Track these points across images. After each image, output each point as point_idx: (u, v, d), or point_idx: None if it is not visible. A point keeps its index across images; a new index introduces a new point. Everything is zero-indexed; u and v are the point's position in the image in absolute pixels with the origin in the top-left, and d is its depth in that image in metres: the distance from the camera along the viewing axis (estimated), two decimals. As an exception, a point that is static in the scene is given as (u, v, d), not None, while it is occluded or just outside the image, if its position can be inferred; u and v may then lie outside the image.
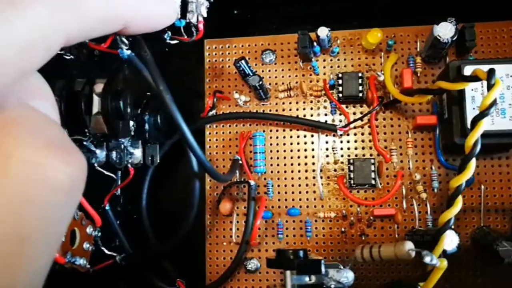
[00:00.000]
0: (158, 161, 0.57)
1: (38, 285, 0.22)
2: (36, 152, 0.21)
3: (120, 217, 0.63)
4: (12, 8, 0.20)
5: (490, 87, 0.45)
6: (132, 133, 0.54)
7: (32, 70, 0.22)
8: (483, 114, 0.45)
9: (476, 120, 0.45)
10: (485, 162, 0.56)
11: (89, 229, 0.52)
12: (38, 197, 0.20)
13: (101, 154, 0.55)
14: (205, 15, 0.51)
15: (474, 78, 0.47)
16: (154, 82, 0.44)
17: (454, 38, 0.52)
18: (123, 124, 0.51)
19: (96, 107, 0.50)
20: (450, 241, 0.49)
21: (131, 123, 0.53)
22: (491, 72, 0.45)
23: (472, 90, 0.51)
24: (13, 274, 0.21)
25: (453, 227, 0.48)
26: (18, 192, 0.20)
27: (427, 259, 0.41)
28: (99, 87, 0.50)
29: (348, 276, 0.46)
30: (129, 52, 0.47)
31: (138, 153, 0.56)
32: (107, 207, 0.58)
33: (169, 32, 0.52)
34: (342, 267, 0.47)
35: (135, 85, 0.55)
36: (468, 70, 0.50)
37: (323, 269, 0.45)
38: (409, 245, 0.43)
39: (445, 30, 0.52)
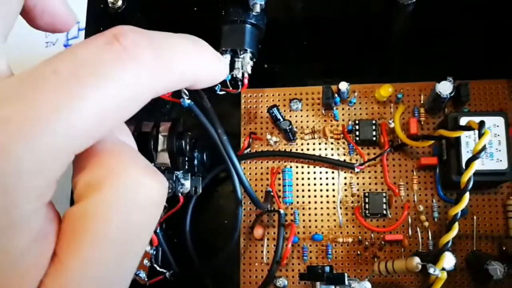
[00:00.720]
0: (201, 191, 0.68)
1: None
2: (142, 173, 0.25)
3: (169, 241, 0.73)
4: (118, 66, 0.23)
5: (480, 135, 0.56)
6: (186, 167, 0.64)
7: (125, 119, 0.26)
8: (475, 157, 0.56)
9: (469, 161, 0.56)
10: (477, 197, 0.67)
11: (147, 248, 0.62)
12: (142, 212, 0.25)
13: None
14: (250, 72, 0.63)
15: (468, 128, 0.59)
16: (214, 126, 0.55)
17: (452, 94, 0.64)
18: (182, 159, 0.62)
19: (161, 145, 0.61)
20: (449, 260, 0.60)
21: (185, 158, 0.64)
22: (481, 124, 0.57)
23: (466, 137, 0.62)
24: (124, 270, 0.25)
25: (450, 249, 0.59)
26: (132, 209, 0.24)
27: (431, 270, 0.52)
28: (163, 128, 0.61)
29: (366, 286, 0.55)
30: (189, 101, 0.58)
31: (187, 184, 0.66)
32: (158, 230, 0.68)
33: (220, 85, 0.63)
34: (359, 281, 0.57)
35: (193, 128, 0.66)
36: (463, 121, 0.62)
37: (346, 281, 0.55)
38: (417, 260, 0.53)
39: (445, 87, 0.64)
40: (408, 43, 0.69)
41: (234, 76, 0.63)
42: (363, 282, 0.56)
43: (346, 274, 0.56)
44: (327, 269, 0.58)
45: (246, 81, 0.63)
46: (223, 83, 0.63)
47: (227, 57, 0.63)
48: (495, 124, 0.63)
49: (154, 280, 0.65)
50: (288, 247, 0.65)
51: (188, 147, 0.61)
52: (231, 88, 0.64)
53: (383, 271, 0.56)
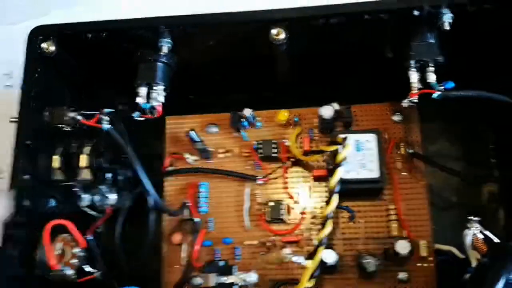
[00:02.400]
0: (129, 204, 0.80)
1: None
2: None
3: (101, 248, 0.84)
4: None
5: (343, 148, 0.69)
6: (110, 182, 0.76)
7: None
8: (338, 165, 0.68)
9: (333, 169, 0.68)
10: (364, 203, 0.78)
11: (75, 249, 0.73)
12: None
13: (87, 198, 0.78)
14: (163, 101, 0.76)
15: (336, 142, 0.71)
16: (123, 147, 0.68)
17: (334, 117, 0.77)
18: (103, 175, 0.74)
19: (83, 162, 0.73)
20: (329, 256, 0.70)
21: (109, 175, 0.76)
22: (344, 139, 0.69)
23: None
24: None
25: (332, 246, 0.70)
26: None
27: (294, 258, 0.62)
28: (87, 149, 0.74)
29: (252, 276, 0.66)
30: (108, 126, 0.71)
31: (113, 197, 0.78)
32: (90, 237, 0.79)
33: (139, 113, 0.76)
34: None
35: (113, 148, 0.78)
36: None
37: (234, 272, 0.66)
38: (285, 251, 0.64)
39: (326, 111, 0.77)
40: (302, 74, 0.82)
41: (151, 104, 0.76)
42: (250, 273, 0.67)
43: (235, 267, 0.67)
44: (222, 263, 0.69)
45: (159, 108, 0.75)
46: (142, 111, 0.76)
47: (144, 89, 0.75)
48: (368, 140, 0.75)
49: (85, 278, 0.76)
50: (196, 249, 0.76)
51: (108, 164, 0.73)
52: (149, 115, 0.77)
53: (262, 262, 0.67)
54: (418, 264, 0.75)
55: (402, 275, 0.74)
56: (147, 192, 0.69)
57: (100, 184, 0.75)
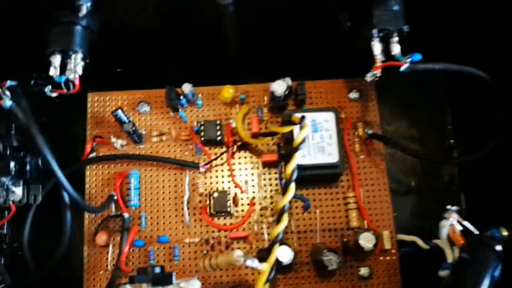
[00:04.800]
0: (40, 199, 0.65)
1: None
2: None
3: (6, 253, 0.69)
4: None
5: (301, 128, 0.59)
6: (13, 173, 0.61)
7: None
8: (295, 149, 0.58)
9: (290, 154, 0.58)
10: (319, 191, 0.70)
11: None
12: None
13: (-15, 193, 0.62)
14: (80, 73, 0.62)
15: (292, 122, 0.61)
16: (28, 126, 0.53)
17: (287, 93, 0.67)
18: (3, 164, 0.59)
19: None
20: (284, 254, 0.61)
21: (12, 163, 0.61)
22: (302, 118, 0.59)
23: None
24: None
25: (287, 243, 0.60)
26: None
27: (248, 262, 0.52)
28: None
29: (195, 284, 0.55)
30: (10, 102, 0.56)
31: (19, 191, 0.63)
32: (-10, 242, 0.64)
33: (50, 86, 0.62)
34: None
35: (19, 131, 0.63)
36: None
37: (174, 280, 0.54)
38: (237, 253, 0.53)
39: (278, 86, 0.66)
40: (250, 46, 0.71)
41: (67, 77, 0.62)
42: (192, 281, 0.55)
43: (174, 274, 0.55)
44: (157, 269, 0.56)
45: (77, 81, 0.61)
46: (55, 85, 0.62)
47: (57, 58, 0.61)
48: (326, 119, 0.66)
49: (-19, 295, 0.61)
50: (125, 251, 0.64)
51: (8, 150, 0.58)
52: (65, 90, 0.62)
53: (208, 266, 0.56)
54: (381, 258, 0.67)
55: (363, 271, 0.67)
56: (61, 186, 0.55)
57: (2, 175, 0.60)
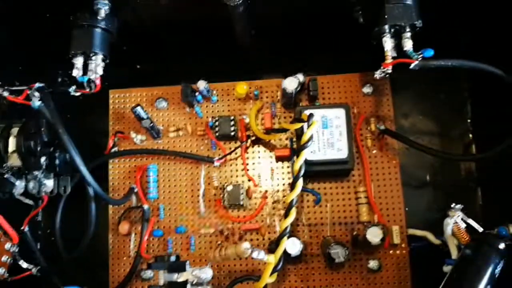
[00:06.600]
0: (70, 190, 0.70)
1: None
2: None
3: (41, 239, 0.75)
4: None
5: (308, 126, 0.60)
6: (44, 167, 0.66)
7: None
8: (303, 146, 0.60)
9: (299, 151, 0.60)
10: (331, 185, 0.71)
11: (7, 245, 0.64)
12: None
13: (20, 184, 0.67)
14: (101, 73, 0.65)
15: (301, 120, 0.62)
16: (55, 126, 0.58)
17: (298, 89, 0.68)
18: (34, 159, 0.64)
19: (12, 146, 0.63)
20: (293, 246, 0.63)
21: (43, 159, 0.66)
22: (310, 116, 0.61)
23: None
24: None
25: (297, 236, 0.63)
26: None
27: (254, 254, 0.55)
28: (15, 130, 0.63)
29: (207, 272, 0.58)
30: (39, 103, 0.61)
31: (50, 183, 0.68)
32: (26, 229, 0.70)
33: (74, 86, 0.66)
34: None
35: (49, 128, 0.68)
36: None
37: (187, 268, 0.58)
38: (245, 245, 0.56)
39: (290, 83, 0.68)
40: (264, 40, 0.72)
41: (89, 77, 0.66)
42: (204, 269, 0.59)
43: (188, 262, 0.59)
44: (173, 258, 0.60)
45: (98, 81, 0.65)
46: (79, 85, 0.66)
47: (79, 60, 0.65)
48: (337, 116, 0.67)
49: (19, 276, 0.67)
50: (144, 240, 0.68)
51: (39, 147, 0.63)
52: (87, 90, 0.66)
53: (218, 257, 0.59)
54: (391, 252, 0.69)
55: (372, 264, 0.68)
56: (85, 181, 0.60)
57: (35, 169, 0.65)
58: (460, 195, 0.73)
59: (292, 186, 0.60)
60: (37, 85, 0.62)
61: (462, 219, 0.56)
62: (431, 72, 0.74)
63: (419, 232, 0.69)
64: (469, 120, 0.76)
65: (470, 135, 0.76)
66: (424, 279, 0.68)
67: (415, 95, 0.78)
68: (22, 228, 0.70)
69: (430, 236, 0.67)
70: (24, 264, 0.68)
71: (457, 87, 0.77)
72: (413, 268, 0.68)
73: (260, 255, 0.56)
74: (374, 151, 0.72)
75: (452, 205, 0.58)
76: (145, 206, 0.70)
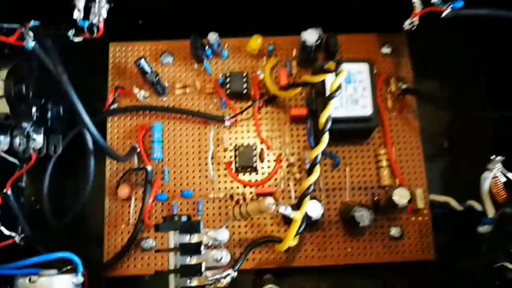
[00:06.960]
0: (61, 150, 0.63)
1: None
2: None
3: (25, 207, 0.67)
4: None
5: (337, 75, 0.56)
6: (35, 118, 0.59)
7: None
8: (331, 95, 0.55)
9: (326, 101, 0.55)
10: (349, 148, 0.67)
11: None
12: None
13: (4, 140, 0.60)
14: (105, 16, 0.58)
15: (327, 70, 0.58)
16: (54, 70, 0.51)
17: (318, 42, 0.63)
18: (25, 107, 0.56)
19: (0, 90, 0.55)
20: (313, 208, 0.58)
21: (34, 108, 0.58)
22: (338, 64, 0.56)
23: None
24: None
25: (317, 198, 0.58)
26: None
27: (281, 209, 0.49)
28: (4, 73, 0.56)
29: (224, 233, 0.52)
30: (33, 43, 0.53)
31: (40, 139, 0.61)
32: (9, 192, 0.62)
33: (73, 30, 0.59)
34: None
35: (41, 76, 0.60)
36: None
37: (201, 229, 0.52)
38: (269, 200, 0.51)
39: (310, 35, 0.63)
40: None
41: (91, 21, 0.59)
42: (221, 230, 0.53)
43: (201, 222, 0.53)
44: (184, 218, 0.54)
45: (101, 25, 0.58)
46: (78, 29, 0.59)
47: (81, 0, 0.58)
48: (360, 71, 0.63)
49: (1, 244, 0.59)
50: (148, 204, 0.61)
51: (31, 94, 0.56)
52: (88, 34, 0.59)
53: (238, 214, 0.54)
54: (413, 218, 0.64)
55: (394, 231, 0.64)
56: (87, 131, 0.53)
57: (24, 119, 0.57)
58: (478, 160, 0.70)
59: (317, 140, 0.56)
60: (32, 23, 0.55)
61: (501, 172, 0.53)
62: (448, 37, 0.72)
63: (441, 198, 0.65)
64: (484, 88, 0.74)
65: (488, 104, 0.73)
66: (447, 247, 0.65)
67: (431, 59, 0.74)
68: (4, 190, 0.62)
69: (453, 202, 0.64)
70: (5, 231, 0.61)
71: (474, 53, 0.74)
72: (435, 236, 0.65)
73: (287, 210, 0.50)
74: (394, 113, 0.68)
75: (492, 157, 0.54)
76: (149, 167, 0.64)
